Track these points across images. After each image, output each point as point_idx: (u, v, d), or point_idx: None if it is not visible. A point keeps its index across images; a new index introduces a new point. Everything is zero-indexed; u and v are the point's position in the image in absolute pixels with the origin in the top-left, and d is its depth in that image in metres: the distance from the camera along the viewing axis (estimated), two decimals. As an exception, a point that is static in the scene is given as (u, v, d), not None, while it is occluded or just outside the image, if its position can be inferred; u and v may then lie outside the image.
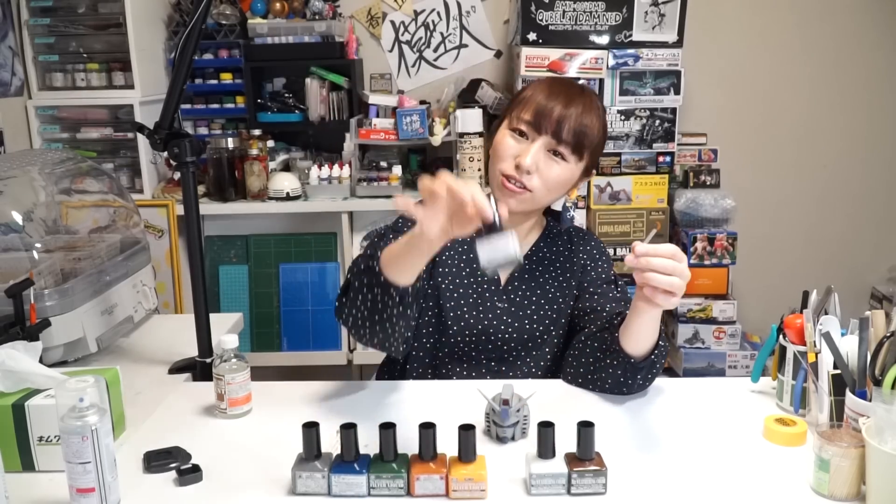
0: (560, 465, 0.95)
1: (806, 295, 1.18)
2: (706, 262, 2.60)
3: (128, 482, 0.98)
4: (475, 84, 2.74)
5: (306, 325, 2.66)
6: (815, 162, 3.03)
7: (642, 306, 1.12)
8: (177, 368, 1.41)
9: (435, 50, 2.96)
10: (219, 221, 2.62)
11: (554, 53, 2.47)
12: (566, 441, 0.97)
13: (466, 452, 0.95)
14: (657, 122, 2.54)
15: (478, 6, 2.92)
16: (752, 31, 2.92)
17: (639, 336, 1.17)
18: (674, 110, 2.54)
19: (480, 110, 2.57)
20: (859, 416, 0.98)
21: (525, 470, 0.97)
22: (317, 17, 2.67)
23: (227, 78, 2.76)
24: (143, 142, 2.59)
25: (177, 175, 2.63)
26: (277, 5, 2.69)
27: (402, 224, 1.38)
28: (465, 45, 2.95)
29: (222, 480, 1.01)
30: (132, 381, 1.32)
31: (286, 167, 2.79)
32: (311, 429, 0.96)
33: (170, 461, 1.04)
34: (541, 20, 2.48)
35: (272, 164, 2.69)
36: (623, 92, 2.52)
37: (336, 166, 2.61)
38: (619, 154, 2.56)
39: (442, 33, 2.95)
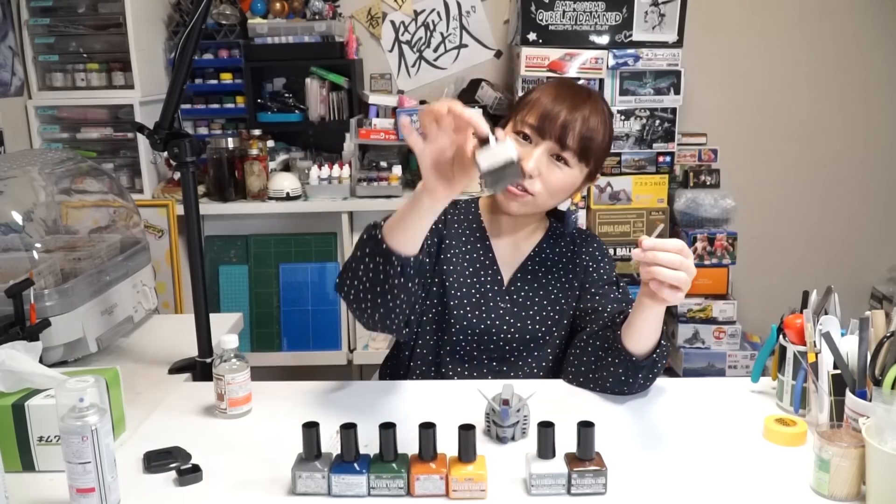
0: (560, 465, 0.95)
1: (806, 295, 1.18)
2: (706, 262, 2.60)
3: (128, 482, 0.98)
4: (475, 84, 2.74)
5: (306, 325, 2.66)
6: (815, 162, 3.03)
7: (647, 302, 1.12)
8: (177, 368, 1.41)
9: (435, 50, 2.96)
10: (219, 221, 2.61)
11: (554, 53, 2.47)
12: (566, 441, 0.96)
13: (466, 452, 0.95)
14: (657, 122, 2.54)
15: (478, 6, 2.92)
16: (752, 31, 2.92)
17: (641, 333, 1.17)
18: (674, 110, 2.54)
19: (480, 110, 2.56)
20: (859, 417, 0.98)
21: (525, 470, 0.97)
22: (317, 17, 2.67)
23: (227, 78, 2.76)
24: (143, 142, 2.59)
25: (177, 175, 2.62)
26: (277, 5, 2.69)
27: None
28: (465, 45, 2.95)
29: (222, 480, 1.01)
30: (132, 381, 1.32)
31: (286, 167, 2.79)
32: (311, 429, 0.95)
33: (170, 461, 1.03)
34: (541, 20, 2.48)
35: (272, 164, 2.69)
36: (623, 92, 2.52)
37: (336, 166, 2.61)
38: (619, 154, 2.56)
39: (442, 33, 2.94)
